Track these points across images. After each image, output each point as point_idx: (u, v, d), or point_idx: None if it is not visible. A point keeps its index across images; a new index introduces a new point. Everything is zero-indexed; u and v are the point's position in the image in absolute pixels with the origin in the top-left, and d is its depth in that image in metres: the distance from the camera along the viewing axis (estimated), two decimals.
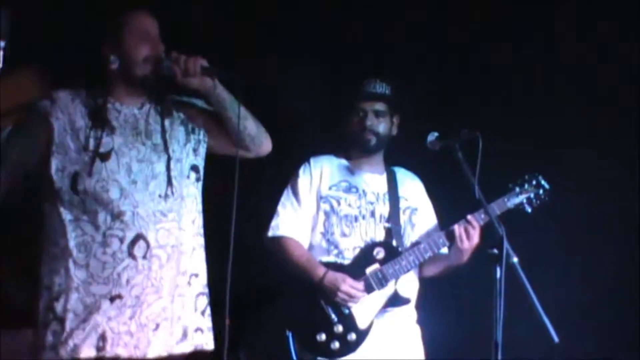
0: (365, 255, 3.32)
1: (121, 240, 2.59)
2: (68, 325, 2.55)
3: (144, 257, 2.60)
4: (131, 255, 2.59)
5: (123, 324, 2.57)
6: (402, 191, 3.47)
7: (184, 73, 2.64)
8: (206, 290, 2.76)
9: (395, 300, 3.33)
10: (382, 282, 3.28)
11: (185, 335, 2.67)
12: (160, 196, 2.65)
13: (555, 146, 3.95)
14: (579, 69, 3.91)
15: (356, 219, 3.37)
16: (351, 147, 3.49)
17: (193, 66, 2.63)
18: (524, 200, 3.44)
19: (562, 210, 3.70)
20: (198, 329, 2.70)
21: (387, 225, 3.38)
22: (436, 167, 3.41)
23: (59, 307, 2.56)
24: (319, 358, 3.26)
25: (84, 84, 2.73)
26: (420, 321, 3.45)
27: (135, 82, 2.71)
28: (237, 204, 2.61)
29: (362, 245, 3.34)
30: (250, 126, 2.80)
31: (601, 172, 3.90)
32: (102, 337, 2.55)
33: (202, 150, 2.82)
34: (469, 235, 3.28)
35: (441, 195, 3.61)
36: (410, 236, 3.44)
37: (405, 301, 3.35)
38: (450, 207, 3.52)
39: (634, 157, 3.91)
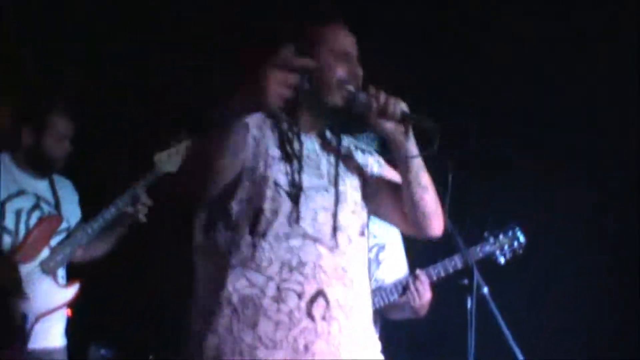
0: None
1: (299, 296, 2.15)
2: None
3: (323, 318, 2.17)
4: (310, 315, 2.15)
5: None
6: (371, 227, 3.48)
7: (380, 112, 2.21)
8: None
9: None
10: None
11: None
12: (341, 249, 2.24)
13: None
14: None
15: None
16: None
17: (393, 107, 2.22)
18: (497, 251, 3.43)
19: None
20: None
21: None
22: None
23: None
24: None
25: None
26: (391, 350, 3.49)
27: (323, 110, 2.29)
28: None
29: None
30: (430, 200, 2.33)
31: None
32: None
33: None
34: (418, 292, 3.24)
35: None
36: (376, 273, 3.44)
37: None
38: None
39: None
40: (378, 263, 3.44)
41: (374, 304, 3.27)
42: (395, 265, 3.45)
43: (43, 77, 3.98)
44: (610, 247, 3.93)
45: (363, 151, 2.43)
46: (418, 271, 3.32)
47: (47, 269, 3.58)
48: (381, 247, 3.47)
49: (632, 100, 3.89)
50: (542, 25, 3.93)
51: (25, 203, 3.58)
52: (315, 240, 2.19)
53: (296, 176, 2.21)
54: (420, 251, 3.47)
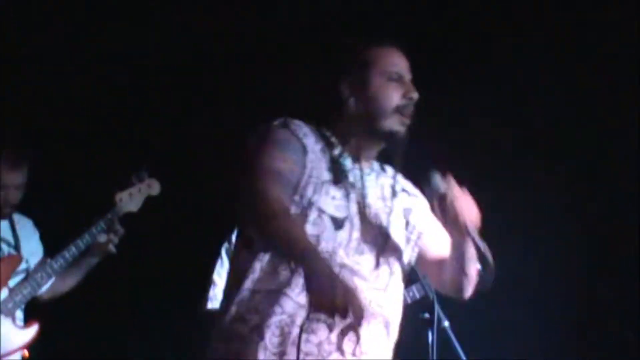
0: None
1: (330, 328, 2.04)
2: None
3: (353, 354, 2.06)
4: (340, 349, 2.04)
5: None
6: None
7: (445, 210, 2.12)
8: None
9: None
10: None
11: None
12: (380, 285, 2.12)
13: None
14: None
15: None
16: None
17: (463, 219, 2.12)
18: None
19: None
20: None
21: None
22: None
23: None
24: None
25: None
26: None
27: (376, 135, 2.17)
28: None
29: None
30: (472, 269, 2.21)
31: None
32: None
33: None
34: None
35: None
36: None
37: None
38: None
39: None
40: None
41: None
42: None
43: None
44: (576, 269, 4.01)
45: (409, 193, 2.29)
46: None
47: (5, 311, 3.55)
48: None
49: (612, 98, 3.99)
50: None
51: None
52: (354, 271, 2.08)
53: (343, 202, 2.10)
54: None
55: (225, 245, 3.38)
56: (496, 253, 2.05)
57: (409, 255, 2.24)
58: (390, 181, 2.24)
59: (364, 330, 2.05)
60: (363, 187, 2.15)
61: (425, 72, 2.25)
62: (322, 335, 2.03)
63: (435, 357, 2.94)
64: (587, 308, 3.96)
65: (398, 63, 2.18)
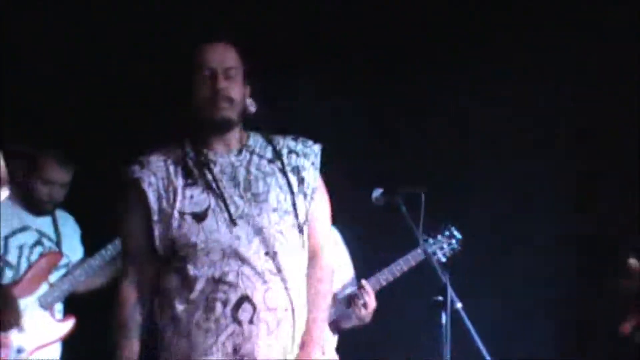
0: None
1: (224, 304, 2.37)
2: None
3: (250, 321, 2.37)
4: (236, 320, 2.37)
5: None
6: None
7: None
8: None
9: None
10: None
11: None
12: (263, 252, 2.42)
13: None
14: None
15: None
16: None
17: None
18: (437, 251, 3.57)
19: None
20: None
21: None
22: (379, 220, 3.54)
23: None
24: None
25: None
26: None
27: (204, 125, 2.48)
28: None
29: None
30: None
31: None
32: None
33: None
34: (365, 303, 3.38)
35: (385, 248, 3.74)
36: None
37: None
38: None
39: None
40: None
41: (330, 315, 3.39)
42: (343, 277, 3.54)
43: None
44: (583, 250, 4.02)
45: (297, 154, 2.55)
46: (363, 281, 3.42)
47: (45, 304, 3.73)
48: None
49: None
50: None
51: (27, 239, 3.76)
52: (233, 249, 2.38)
53: (202, 196, 2.42)
54: (365, 258, 3.62)
55: None
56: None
57: (304, 210, 2.50)
58: (271, 150, 2.52)
59: (257, 298, 2.36)
60: (235, 168, 2.46)
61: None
62: (219, 311, 2.37)
63: (449, 338, 2.99)
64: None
65: (212, 56, 2.46)
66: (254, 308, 2.36)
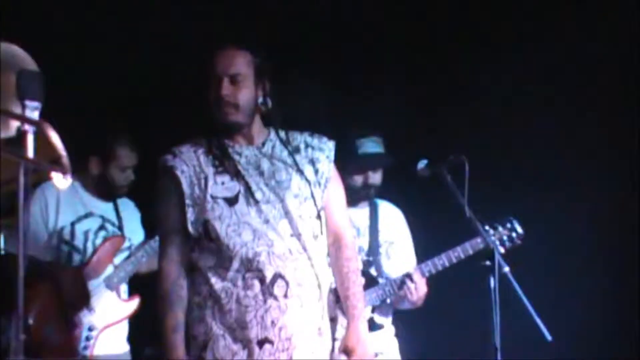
0: None
1: (261, 282, 2.60)
2: None
3: (285, 296, 2.60)
4: (272, 295, 2.59)
5: None
6: (382, 225, 3.69)
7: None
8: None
9: (371, 326, 3.46)
10: None
11: None
12: (289, 234, 2.65)
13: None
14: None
15: None
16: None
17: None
18: (497, 242, 3.62)
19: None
20: None
21: (364, 258, 3.60)
22: (425, 193, 3.64)
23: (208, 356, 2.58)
24: None
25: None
26: (412, 332, 3.70)
27: (217, 125, 2.72)
28: None
29: None
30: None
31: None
32: None
33: None
34: (414, 288, 3.49)
35: (430, 221, 3.84)
36: (387, 267, 3.66)
37: (379, 327, 3.58)
38: (440, 232, 3.75)
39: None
40: (388, 257, 3.66)
41: (384, 295, 3.55)
42: (403, 260, 3.67)
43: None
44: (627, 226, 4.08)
45: (313, 148, 2.81)
46: (414, 269, 3.54)
47: (111, 285, 3.93)
48: (390, 243, 3.69)
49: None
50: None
51: (92, 224, 3.97)
52: (262, 230, 2.61)
53: (231, 183, 2.65)
54: (427, 244, 3.73)
55: None
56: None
57: (320, 197, 2.74)
58: (290, 144, 2.77)
59: (289, 275, 2.59)
60: (258, 159, 2.70)
61: None
62: (257, 288, 2.60)
63: (497, 300, 3.09)
64: None
65: (219, 63, 2.68)
66: (287, 284, 2.60)
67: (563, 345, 3.24)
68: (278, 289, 2.60)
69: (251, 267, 2.59)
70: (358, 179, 3.62)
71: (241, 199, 2.64)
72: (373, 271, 3.60)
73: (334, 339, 2.74)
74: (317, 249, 2.71)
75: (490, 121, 4.29)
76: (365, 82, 4.35)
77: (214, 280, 2.61)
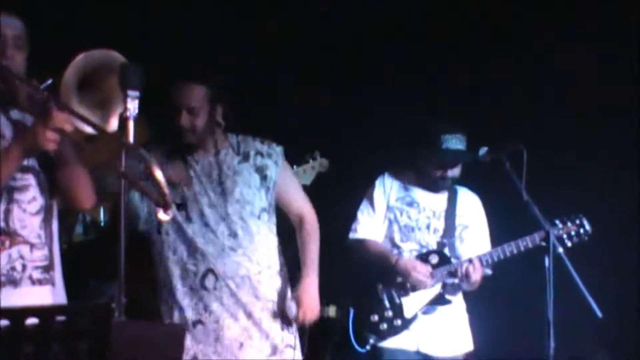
0: (421, 258, 3.79)
1: (195, 274, 3.15)
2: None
3: (214, 288, 3.14)
4: (203, 286, 3.15)
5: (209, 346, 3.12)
6: (459, 209, 3.89)
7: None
8: (291, 311, 3.23)
9: (440, 300, 3.77)
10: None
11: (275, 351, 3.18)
12: (227, 234, 3.16)
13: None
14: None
15: (412, 229, 3.82)
16: (423, 178, 3.88)
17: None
18: (564, 236, 3.75)
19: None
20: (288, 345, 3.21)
21: (439, 239, 3.82)
22: (487, 180, 3.82)
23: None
24: (369, 334, 3.75)
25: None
26: (475, 309, 3.92)
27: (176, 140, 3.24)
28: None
29: (418, 249, 3.81)
30: None
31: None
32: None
33: None
34: (468, 274, 3.67)
35: (498, 206, 3.98)
36: (460, 249, 3.85)
37: (448, 302, 3.78)
38: (507, 216, 3.88)
39: None
40: (462, 240, 3.85)
41: (451, 274, 3.73)
42: (477, 244, 3.84)
43: None
44: None
45: (262, 155, 3.26)
46: (473, 257, 3.72)
47: None
48: (465, 227, 3.87)
49: None
50: None
51: None
52: (203, 230, 3.13)
53: (182, 190, 3.15)
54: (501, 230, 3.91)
55: (370, 189, 3.93)
56: None
57: (266, 199, 3.24)
58: (242, 152, 3.23)
59: (220, 270, 3.12)
60: (212, 166, 3.18)
61: None
62: (190, 280, 3.18)
63: (551, 278, 3.32)
64: None
65: (177, 96, 3.16)
66: (216, 278, 3.13)
67: (611, 322, 3.43)
68: (208, 281, 3.14)
69: (189, 261, 3.14)
70: (437, 171, 3.81)
71: (188, 203, 3.15)
72: (446, 251, 3.82)
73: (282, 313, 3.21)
74: (259, 245, 3.19)
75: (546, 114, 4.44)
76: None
77: (163, 268, 3.20)
